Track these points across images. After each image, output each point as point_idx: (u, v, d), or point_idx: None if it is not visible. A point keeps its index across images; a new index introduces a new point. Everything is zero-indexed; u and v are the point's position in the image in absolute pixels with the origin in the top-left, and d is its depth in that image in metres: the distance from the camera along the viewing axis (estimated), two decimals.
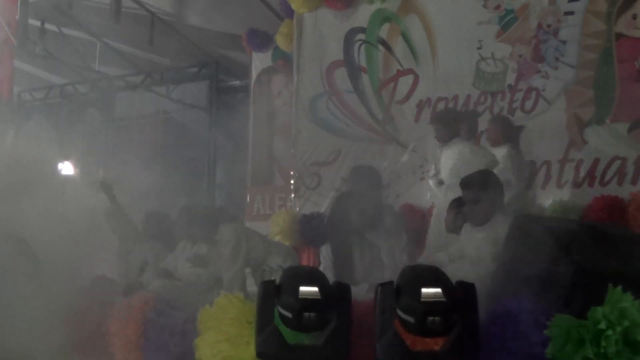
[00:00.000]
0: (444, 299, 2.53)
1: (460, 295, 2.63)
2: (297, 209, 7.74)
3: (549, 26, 6.81)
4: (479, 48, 7.12)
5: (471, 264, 3.89)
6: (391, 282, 2.70)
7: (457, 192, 4.97)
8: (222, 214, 5.51)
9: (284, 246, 6.02)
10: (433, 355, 2.54)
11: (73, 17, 9.18)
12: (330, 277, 4.01)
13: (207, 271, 4.95)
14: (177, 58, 10.17)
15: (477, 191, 4.14)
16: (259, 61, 9.09)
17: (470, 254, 4.07)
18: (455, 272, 3.69)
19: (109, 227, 5.49)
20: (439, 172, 5.86)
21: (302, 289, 2.65)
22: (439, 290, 2.55)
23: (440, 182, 5.83)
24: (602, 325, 2.42)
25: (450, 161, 5.62)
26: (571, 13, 6.71)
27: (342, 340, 2.69)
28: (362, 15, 7.89)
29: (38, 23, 8.84)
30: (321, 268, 4.34)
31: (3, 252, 4.00)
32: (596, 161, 6.38)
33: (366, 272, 4.36)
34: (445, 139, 5.74)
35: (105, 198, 5.49)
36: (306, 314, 2.61)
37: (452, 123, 5.83)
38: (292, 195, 7.99)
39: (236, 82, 10.51)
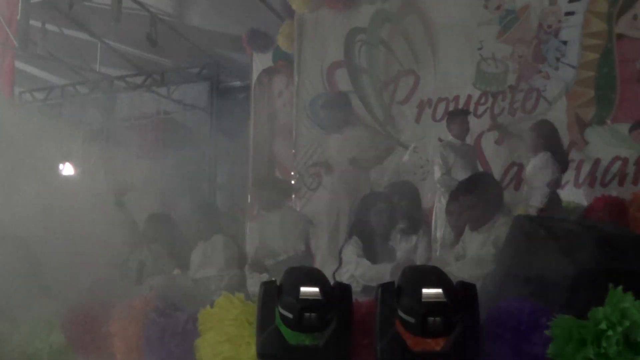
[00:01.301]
0: (444, 300, 2.53)
1: (461, 295, 2.63)
2: (298, 210, 7.74)
3: (549, 26, 6.81)
4: (479, 48, 7.13)
5: (473, 263, 3.92)
6: (392, 283, 2.70)
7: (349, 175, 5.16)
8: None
9: None
10: (434, 356, 2.54)
11: (74, 18, 9.19)
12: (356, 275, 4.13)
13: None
14: (178, 59, 10.18)
15: (473, 196, 4.16)
16: (260, 62, 9.09)
17: (472, 254, 4.08)
18: (459, 272, 3.73)
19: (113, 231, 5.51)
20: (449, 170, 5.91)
21: (303, 289, 2.65)
22: (439, 290, 2.55)
23: (329, 168, 5.88)
24: (603, 326, 2.41)
25: (345, 145, 5.65)
26: (572, 13, 6.72)
27: (343, 341, 2.69)
28: (362, 16, 7.91)
29: (39, 24, 8.84)
30: (352, 256, 4.42)
31: (3, 252, 4.00)
32: (597, 161, 6.39)
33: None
34: (339, 124, 5.74)
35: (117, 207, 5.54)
36: (307, 315, 2.61)
37: (344, 108, 5.85)
38: (293, 195, 7.99)
39: (237, 83, 10.51)
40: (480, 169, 6.52)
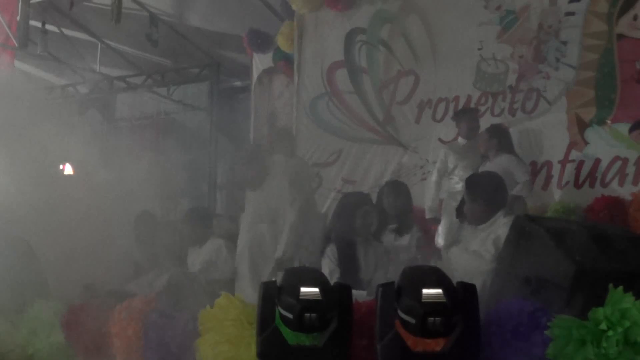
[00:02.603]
0: (444, 300, 2.53)
1: (462, 296, 2.63)
2: None
3: (549, 27, 6.81)
4: (479, 49, 7.13)
5: (473, 256, 3.94)
6: (392, 283, 2.70)
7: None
8: None
9: None
10: (434, 356, 2.53)
11: (74, 18, 9.19)
12: (334, 279, 4.09)
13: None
14: (178, 59, 10.18)
15: (475, 191, 4.18)
16: (260, 62, 9.09)
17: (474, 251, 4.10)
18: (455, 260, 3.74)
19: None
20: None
21: (303, 289, 2.65)
22: (439, 291, 2.55)
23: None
24: (603, 326, 2.42)
25: (266, 199, 5.53)
26: (572, 14, 6.72)
27: (343, 341, 2.69)
28: (363, 16, 7.91)
29: (39, 24, 8.85)
30: (325, 270, 4.38)
31: (3, 252, 4.00)
32: (597, 162, 6.38)
33: (370, 274, 4.39)
34: (257, 181, 5.53)
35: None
36: (307, 315, 2.60)
37: (260, 163, 5.58)
38: None
39: (237, 83, 10.52)
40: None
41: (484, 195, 4.16)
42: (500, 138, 5.80)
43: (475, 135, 6.20)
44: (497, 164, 5.62)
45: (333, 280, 4.15)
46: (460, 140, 6.28)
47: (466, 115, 6.33)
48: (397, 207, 4.78)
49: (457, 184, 5.89)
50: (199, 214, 5.69)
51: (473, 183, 4.32)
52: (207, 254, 5.39)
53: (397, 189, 4.99)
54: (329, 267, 4.37)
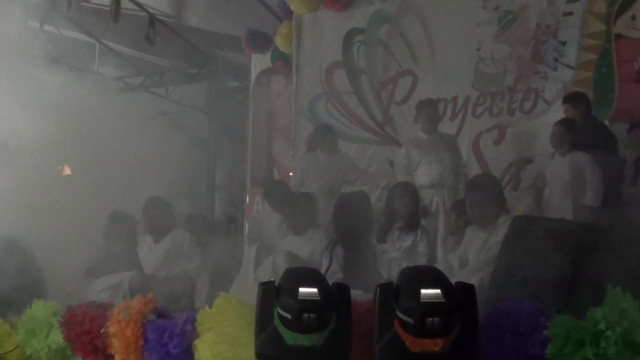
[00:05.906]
0: (443, 300, 2.52)
1: (460, 296, 2.63)
2: None
3: (548, 27, 6.82)
4: (478, 49, 7.13)
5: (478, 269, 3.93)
6: (390, 283, 2.70)
7: None
8: None
9: None
10: (432, 356, 2.53)
11: (72, 19, 9.18)
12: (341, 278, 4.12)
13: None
14: (176, 59, 10.17)
15: (483, 193, 4.20)
16: (258, 62, 9.10)
17: (474, 255, 4.11)
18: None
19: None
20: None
21: (302, 290, 2.65)
22: (438, 291, 2.55)
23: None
24: (602, 326, 2.42)
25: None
26: (570, 14, 6.72)
27: (341, 342, 2.69)
28: (361, 16, 7.91)
29: (37, 24, 8.83)
30: (331, 269, 4.42)
31: (2, 253, 4.00)
32: None
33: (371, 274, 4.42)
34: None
35: None
36: (305, 315, 2.60)
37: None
38: None
39: (235, 83, 10.52)
40: (464, 156, 6.48)
41: (493, 195, 4.19)
42: (574, 133, 5.47)
43: (435, 129, 6.03)
44: (569, 160, 5.41)
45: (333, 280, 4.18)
46: (421, 134, 6.07)
47: (426, 106, 6.10)
48: (409, 207, 4.81)
49: (421, 180, 5.79)
50: (155, 203, 5.38)
51: (478, 184, 4.34)
52: (168, 245, 5.23)
53: (409, 190, 5.01)
54: (332, 268, 4.40)
